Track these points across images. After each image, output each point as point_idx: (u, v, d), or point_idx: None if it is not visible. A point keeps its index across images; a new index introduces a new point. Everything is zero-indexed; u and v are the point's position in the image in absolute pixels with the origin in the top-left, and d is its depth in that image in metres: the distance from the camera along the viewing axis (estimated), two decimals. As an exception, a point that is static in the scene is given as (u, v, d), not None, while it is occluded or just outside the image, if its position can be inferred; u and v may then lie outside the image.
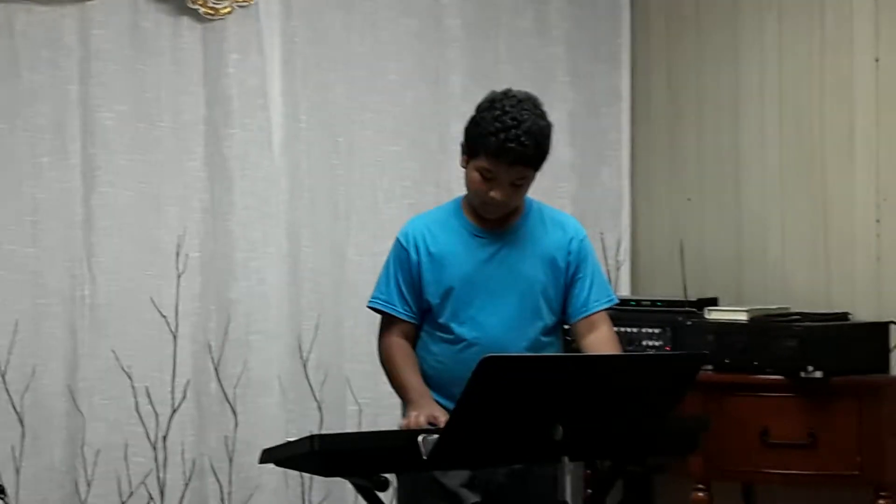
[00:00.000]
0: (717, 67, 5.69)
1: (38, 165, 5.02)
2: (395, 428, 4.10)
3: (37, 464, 4.95)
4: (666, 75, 5.94)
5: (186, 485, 5.16)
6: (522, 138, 3.98)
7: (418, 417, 3.95)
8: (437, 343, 4.18)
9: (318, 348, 5.37)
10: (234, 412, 5.22)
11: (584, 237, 4.28)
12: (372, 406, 5.29)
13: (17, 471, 4.90)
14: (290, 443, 3.72)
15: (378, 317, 4.25)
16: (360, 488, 3.80)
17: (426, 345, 4.21)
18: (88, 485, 5.02)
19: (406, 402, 4.11)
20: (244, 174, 5.28)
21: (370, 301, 4.24)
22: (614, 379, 3.63)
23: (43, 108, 5.04)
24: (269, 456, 3.82)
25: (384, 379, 4.24)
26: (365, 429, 5.23)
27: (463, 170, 4.14)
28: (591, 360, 3.89)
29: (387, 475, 3.67)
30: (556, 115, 4.32)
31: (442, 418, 3.90)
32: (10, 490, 4.72)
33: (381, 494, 3.73)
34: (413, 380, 4.13)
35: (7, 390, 4.91)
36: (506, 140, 3.97)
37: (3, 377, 4.90)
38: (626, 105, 6.01)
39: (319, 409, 5.36)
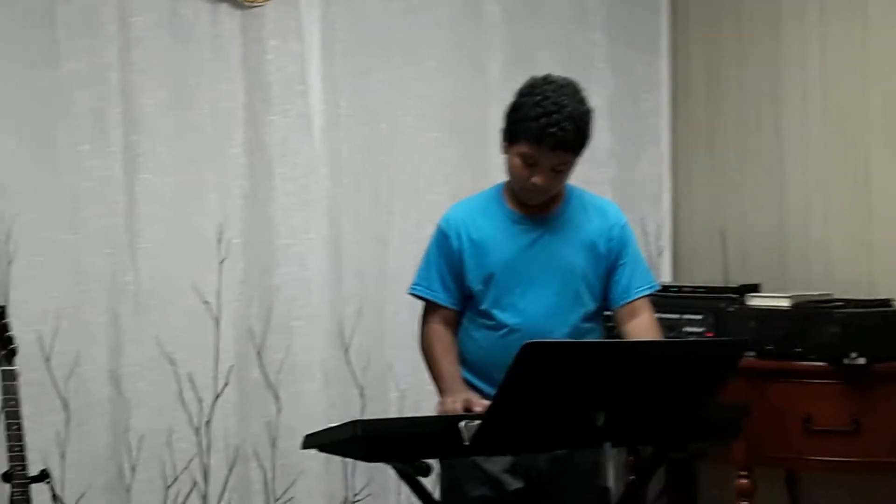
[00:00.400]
0: (758, 51, 5.66)
1: (79, 153, 5.03)
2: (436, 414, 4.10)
3: (81, 449, 4.98)
4: (705, 60, 5.91)
5: (230, 470, 5.19)
6: (563, 123, 3.97)
7: (455, 403, 3.96)
8: (479, 329, 4.18)
9: (360, 334, 5.38)
10: (277, 398, 5.24)
11: (626, 223, 4.27)
12: (413, 392, 5.29)
13: (62, 456, 4.93)
14: (332, 428, 3.74)
15: (420, 303, 4.25)
16: (402, 474, 3.81)
17: (468, 331, 4.21)
18: (132, 470, 5.05)
19: (440, 391, 4.12)
20: (284, 160, 5.29)
21: (411, 288, 4.25)
22: (656, 365, 3.62)
23: (83, 95, 5.05)
24: (311, 441, 3.84)
25: (426, 365, 4.25)
26: (406, 415, 5.24)
27: (503, 156, 4.14)
28: (632, 347, 3.88)
29: (429, 461, 3.68)
30: (596, 100, 4.30)
31: (477, 404, 3.90)
32: (54, 475, 4.74)
33: (423, 480, 3.74)
34: (447, 368, 4.14)
35: (52, 376, 4.93)
36: (547, 125, 3.96)
37: (48, 363, 4.93)
38: (665, 91, 6.00)
39: (361, 395, 5.37)
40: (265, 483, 5.22)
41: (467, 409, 3.90)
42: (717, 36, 5.86)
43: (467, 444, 3.56)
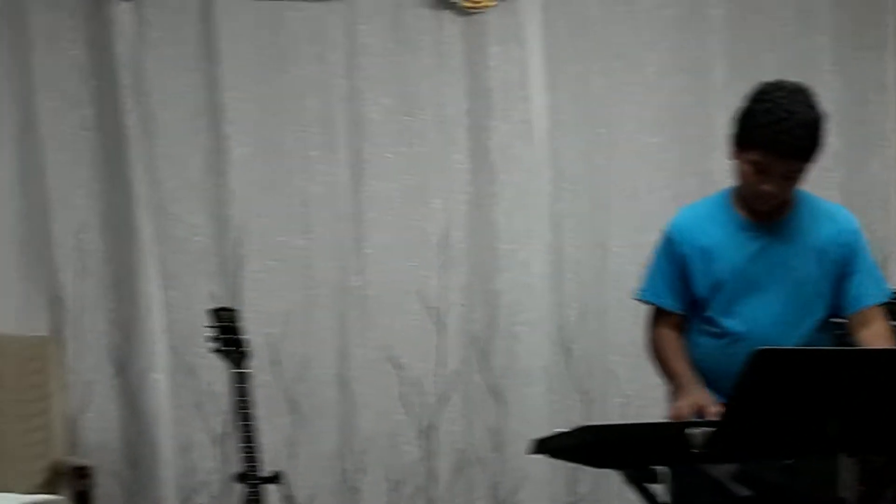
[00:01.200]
0: None
1: (307, 159, 5.15)
2: (663, 420, 4.07)
3: (309, 451, 5.08)
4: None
5: (455, 474, 5.23)
6: (795, 131, 3.91)
7: (682, 409, 3.93)
8: (703, 336, 4.14)
9: (582, 339, 5.38)
10: (501, 403, 5.26)
11: (857, 229, 4.18)
12: (637, 398, 5.26)
13: (292, 457, 5.02)
14: (562, 433, 3.73)
15: (644, 308, 4.23)
16: (630, 480, 3.79)
17: (692, 338, 4.17)
18: (358, 473, 5.12)
19: (675, 389, 4.09)
20: (506, 166, 5.32)
21: (638, 293, 4.23)
22: (890, 374, 3.54)
23: (310, 102, 5.17)
24: (540, 446, 3.84)
25: (650, 371, 4.22)
26: (630, 421, 5.21)
27: (731, 161, 4.09)
28: (866, 355, 3.79)
29: (658, 467, 3.66)
30: (822, 103, 4.23)
31: (710, 408, 3.87)
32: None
33: (651, 486, 3.72)
34: (680, 367, 4.10)
35: (281, 379, 5.03)
36: (778, 132, 3.90)
37: (278, 366, 5.03)
38: (893, 93, 5.86)
39: (583, 400, 5.37)
40: (490, 488, 5.25)
41: (699, 413, 3.87)
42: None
43: (697, 451, 3.53)
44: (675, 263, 4.14)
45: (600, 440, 3.58)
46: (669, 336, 4.15)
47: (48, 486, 4.70)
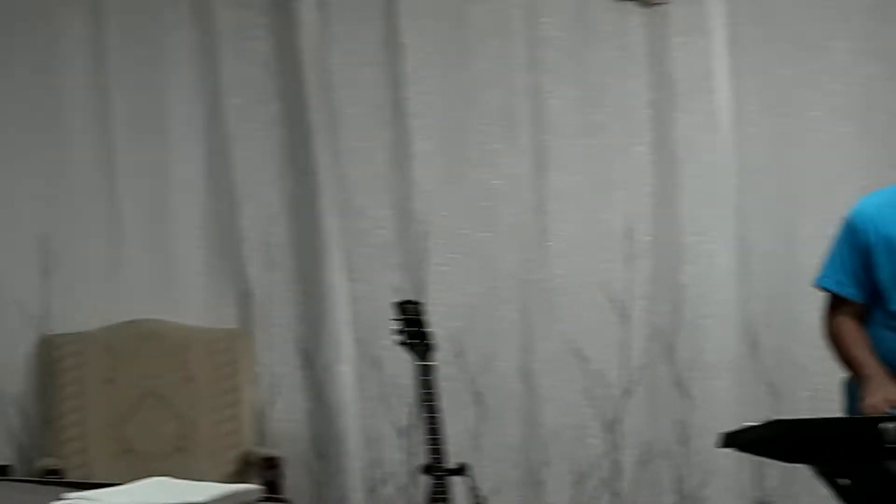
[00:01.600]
0: None
1: (490, 152, 5.17)
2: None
3: (493, 443, 5.09)
4: None
5: (640, 468, 5.20)
6: None
7: (877, 404, 3.84)
8: (886, 331, 4.04)
9: (770, 332, 5.30)
10: (686, 396, 5.22)
11: None
12: (825, 391, 5.14)
13: (477, 449, 5.04)
14: (752, 427, 3.69)
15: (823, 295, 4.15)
16: (822, 475, 3.73)
17: (872, 331, 4.07)
18: (542, 465, 5.12)
19: (861, 379, 3.99)
20: (691, 158, 5.27)
21: (818, 280, 4.14)
22: None
23: (493, 96, 5.18)
24: (729, 440, 3.79)
25: (836, 356, 4.14)
26: (818, 415, 5.12)
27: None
28: None
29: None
30: None
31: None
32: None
33: (843, 481, 3.66)
34: (866, 355, 4.01)
35: (465, 371, 5.05)
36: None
37: (462, 358, 5.05)
38: None
39: (771, 393, 5.29)
40: (675, 481, 5.21)
41: (893, 406, 3.78)
42: None
43: (891, 446, 3.45)
44: (858, 252, 4.05)
45: (791, 434, 3.53)
46: (850, 325, 4.07)
47: (238, 476, 4.79)
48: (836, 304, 4.11)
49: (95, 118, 5.04)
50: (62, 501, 2.42)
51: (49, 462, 4.70)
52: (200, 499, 2.39)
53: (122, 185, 5.06)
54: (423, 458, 4.53)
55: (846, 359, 4.07)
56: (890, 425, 3.46)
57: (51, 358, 4.95)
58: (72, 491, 2.47)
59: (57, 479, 3.85)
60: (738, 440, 3.76)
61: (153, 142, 5.10)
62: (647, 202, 5.26)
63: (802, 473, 4.74)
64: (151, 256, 5.09)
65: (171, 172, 5.10)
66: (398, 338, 4.64)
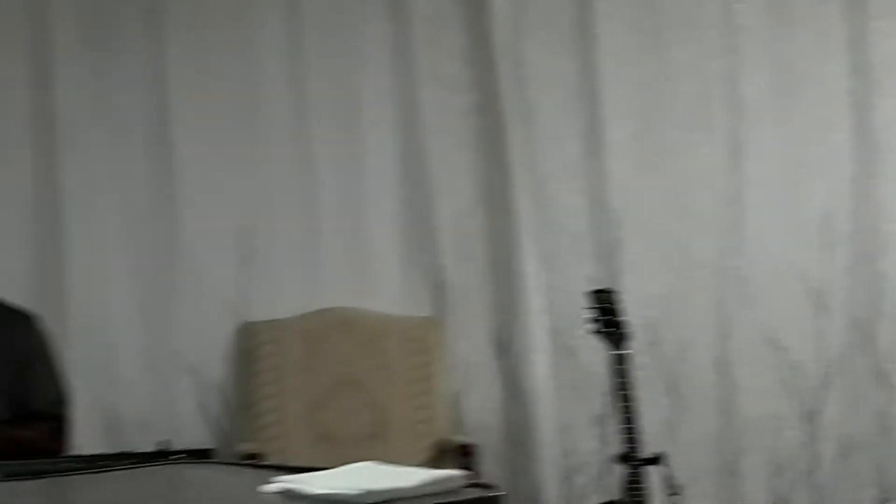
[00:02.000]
0: None
1: (684, 141, 5.13)
2: None
3: (689, 433, 5.05)
4: None
5: (840, 460, 5.11)
6: None
7: None
8: None
9: None
10: (886, 387, 5.12)
11: None
12: None
13: (673, 439, 5.00)
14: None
15: None
16: None
17: None
18: (739, 456, 5.07)
19: None
20: (891, 144, 5.16)
21: None
22: None
23: (687, 84, 5.15)
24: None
25: None
26: None
27: None
28: None
29: None
30: None
31: None
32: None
33: None
34: None
35: (660, 361, 5.03)
36: None
37: (657, 347, 5.02)
38: None
39: None
40: (877, 474, 5.11)
41: None
42: None
43: None
44: None
45: None
46: None
47: (433, 463, 4.81)
48: None
49: (293, 112, 5.11)
50: (276, 483, 2.46)
51: (249, 447, 4.79)
52: (409, 484, 2.40)
53: (319, 176, 5.12)
54: (617, 447, 4.51)
55: None
56: None
57: (249, 345, 5.04)
58: (274, 474, 2.50)
59: (259, 462, 3.91)
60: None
61: (349, 134, 5.15)
62: (846, 190, 5.17)
63: None
64: (347, 246, 5.14)
65: (367, 164, 5.15)
66: (592, 326, 4.63)
